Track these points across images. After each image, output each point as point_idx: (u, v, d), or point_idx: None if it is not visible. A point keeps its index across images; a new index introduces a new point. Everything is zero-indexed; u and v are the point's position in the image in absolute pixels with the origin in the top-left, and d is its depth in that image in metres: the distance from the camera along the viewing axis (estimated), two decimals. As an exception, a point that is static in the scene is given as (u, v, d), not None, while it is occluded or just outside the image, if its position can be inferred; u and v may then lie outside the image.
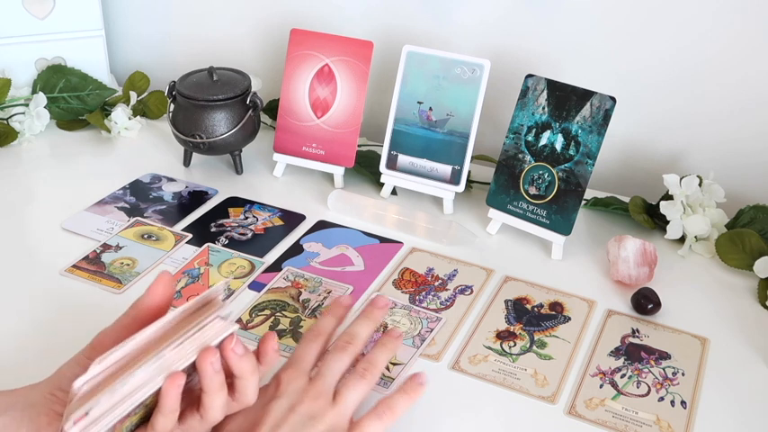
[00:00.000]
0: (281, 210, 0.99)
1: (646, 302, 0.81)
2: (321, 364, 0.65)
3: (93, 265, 0.87)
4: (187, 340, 0.55)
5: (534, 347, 0.77)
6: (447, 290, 0.85)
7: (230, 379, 0.58)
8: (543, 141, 0.91)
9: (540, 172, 0.91)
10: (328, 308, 0.71)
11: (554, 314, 0.82)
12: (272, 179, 1.06)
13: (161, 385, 0.53)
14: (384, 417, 0.62)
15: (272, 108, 1.17)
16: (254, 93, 1.04)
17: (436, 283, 0.86)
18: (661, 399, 0.72)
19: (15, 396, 0.59)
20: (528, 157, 0.92)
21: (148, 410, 0.56)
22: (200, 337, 0.55)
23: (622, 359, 0.76)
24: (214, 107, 1.01)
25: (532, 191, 0.91)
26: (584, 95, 0.88)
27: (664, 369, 0.75)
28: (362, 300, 0.83)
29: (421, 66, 0.97)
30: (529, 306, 0.83)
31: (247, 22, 1.23)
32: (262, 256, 0.90)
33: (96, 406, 0.51)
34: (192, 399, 0.58)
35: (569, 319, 0.81)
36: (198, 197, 1.02)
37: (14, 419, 0.57)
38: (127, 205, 0.99)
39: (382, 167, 1.00)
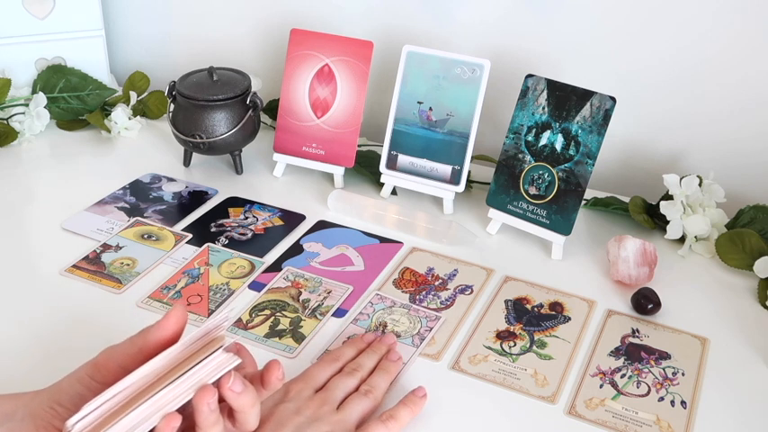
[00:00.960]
0: (281, 210, 0.99)
1: (646, 302, 0.81)
2: (330, 382, 0.69)
3: (93, 265, 0.87)
4: (185, 376, 0.53)
5: (534, 347, 0.77)
6: (447, 289, 0.85)
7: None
8: (543, 141, 0.91)
9: (540, 172, 0.91)
10: (352, 340, 0.76)
11: (554, 314, 0.82)
12: (272, 179, 1.06)
13: (157, 424, 0.52)
14: (388, 423, 0.66)
15: (272, 108, 1.17)
16: (254, 93, 1.04)
17: (436, 283, 0.86)
18: (661, 399, 0.72)
19: (15, 404, 0.58)
20: (528, 157, 0.92)
21: None
22: (198, 374, 0.54)
23: (622, 359, 0.76)
24: (214, 107, 1.01)
25: (532, 191, 0.91)
26: (584, 95, 0.88)
27: (664, 369, 0.75)
28: (362, 299, 0.83)
29: (421, 66, 0.97)
30: (529, 306, 0.83)
31: (247, 22, 1.23)
32: (262, 256, 0.90)
33: None
34: (189, 424, 0.56)
35: (569, 319, 0.81)
36: (198, 197, 1.02)
37: (11, 431, 0.56)
38: (127, 205, 0.99)
39: (382, 167, 1.00)
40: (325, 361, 0.72)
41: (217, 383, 0.55)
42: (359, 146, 1.07)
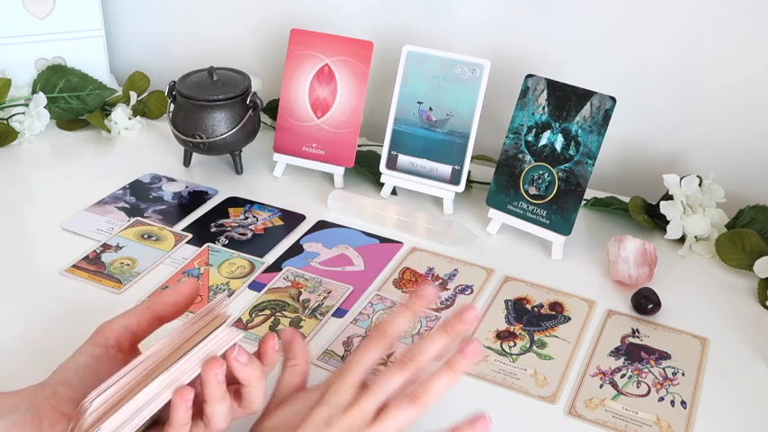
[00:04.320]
0: (281, 210, 0.99)
1: (646, 302, 0.81)
2: (375, 378, 0.59)
3: (93, 265, 0.87)
4: (193, 351, 0.55)
5: (534, 347, 0.77)
6: (447, 289, 0.85)
7: (237, 385, 0.58)
8: (543, 141, 0.91)
9: (540, 172, 0.91)
10: (408, 300, 0.61)
11: (554, 314, 0.82)
12: (272, 179, 1.06)
13: (169, 399, 0.54)
14: None
15: (272, 108, 1.17)
16: (254, 93, 1.04)
17: (436, 283, 0.86)
18: (661, 399, 0.72)
19: (18, 398, 0.58)
20: (528, 157, 0.92)
21: (155, 416, 0.56)
22: (204, 348, 0.55)
23: (622, 359, 0.76)
24: (214, 107, 1.01)
25: (532, 191, 0.91)
26: (585, 95, 0.88)
27: (664, 369, 0.75)
28: (362, 299, 0.83)
29: (421, 66, 0.97)
30: (529, 306, 0.83)
31: (247, 22, 1.23)
32: (262, 256, 0.90)
33: (106, 426, 0.51)
34: (197, 408, 0.57)
35: (569, 319, 0.81)
36: (198, 197, 1.02)
37: (16, 422, 0.56)
38: (127, 205, 0.99)
39: (382, 167, 1.00)
40: (370, 342, 0.60)
41: (223, 358, 0.56)
42: (359, 146, 1.07)
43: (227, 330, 0.56)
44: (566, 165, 0.89)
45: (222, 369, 0.55)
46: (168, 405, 0.54)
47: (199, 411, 0.57)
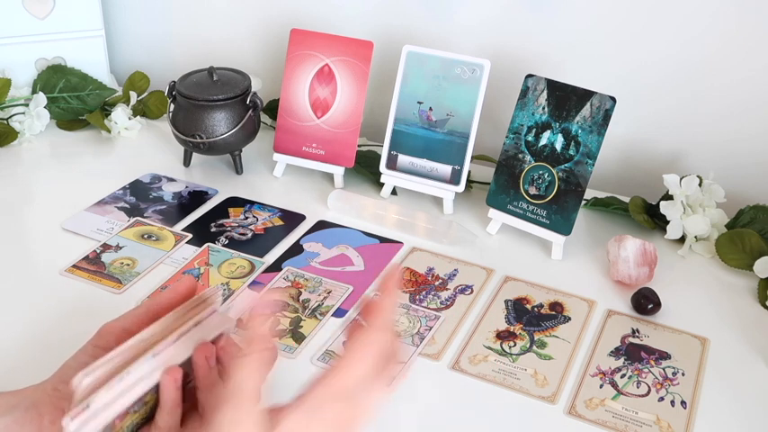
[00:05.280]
0: (281, 210, 0.99)
1: (646, 302, 0.82)
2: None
3: (93, 265, 0.87)
4: (184, 336, 0.56)
5: (534, 347, 0.77)
6: (447, 289, 0.85)
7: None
8: (543, 141, 0.91)
9: (540, 172, 0.91)
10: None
11: (554, 314, 0.82)
12: (272, 179, 1.06)
13: (159, 380, 0.54)
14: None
15: (272, 108, 1.17)
16: (254, 93, 1.04)
17: (436, 283, 0.86)
18: (661, 399, 0.72)
19: (19, 396, 0.59)
20: (528, 157, 0.92)
21: (150, 409, 0.56)
22: (197, 333, 0.56)
23: (622, 359, 0.76)
24: (214, 107, 1.01)
25: (532, 191, 0.91)
26: (585, 95, 0.88)
27: (664, 369, 0.75)
28: (362, 299, 0.83)
29: (421, 66, 0.97)
30: (529, 306, 0.83)
31: (247, 22, 1.23)
32: (262, 256, 0.90)
33: (96, 400, 0.51)
34: (192, 400, 0.58)
35: (569, 319, 0.81)
36: (198, 197, 1.02)
37: (16, 421, 0.57)
38: (127, 205, 0.99)
39: (382, 167, 1.00)
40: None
41: (215, 342, 0.57)
42: (359, 146, 1.07)
43: (218, 317, 0.57)
44: (566, 165, 0.89)
45: (212, 353, 0.56)
46: (159, 405, 0.55)
47: (194, 405, 0.57)
